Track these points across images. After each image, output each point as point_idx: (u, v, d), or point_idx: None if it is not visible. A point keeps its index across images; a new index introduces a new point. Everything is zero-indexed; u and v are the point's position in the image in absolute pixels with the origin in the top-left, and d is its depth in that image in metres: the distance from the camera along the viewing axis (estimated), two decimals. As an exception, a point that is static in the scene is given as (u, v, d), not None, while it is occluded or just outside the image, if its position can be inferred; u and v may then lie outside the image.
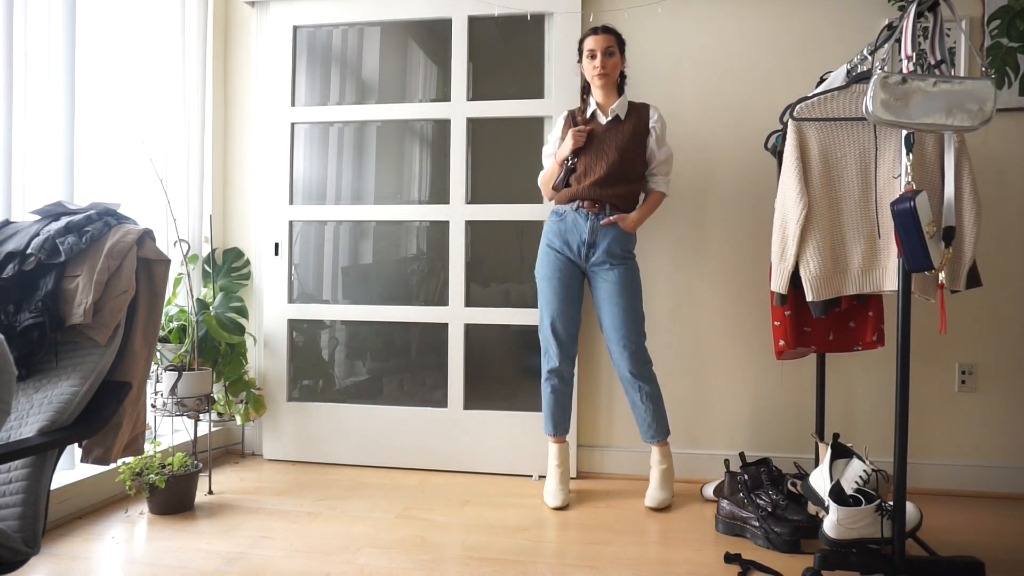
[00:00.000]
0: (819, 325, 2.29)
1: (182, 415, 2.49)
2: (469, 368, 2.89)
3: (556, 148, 2.52)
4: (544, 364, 2.52)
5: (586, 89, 2.51)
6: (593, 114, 2.46)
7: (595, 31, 2.44)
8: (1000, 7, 2.57)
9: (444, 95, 2.93)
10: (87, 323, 1.47)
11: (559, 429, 2.54)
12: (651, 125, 2.46)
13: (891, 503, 1.76)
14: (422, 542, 2.11)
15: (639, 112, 2.47)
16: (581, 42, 2.47)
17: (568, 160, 2.43)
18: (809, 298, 1.98)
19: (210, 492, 2.54)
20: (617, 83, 2.48)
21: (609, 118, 2.44)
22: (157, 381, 2.51)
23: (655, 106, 2.49)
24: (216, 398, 2.77)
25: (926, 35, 1.84)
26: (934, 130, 1.71)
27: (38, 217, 1.63)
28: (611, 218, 2.42)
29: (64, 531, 2.17)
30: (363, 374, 3.06)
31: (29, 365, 1.47)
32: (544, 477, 2.73)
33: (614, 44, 2.42)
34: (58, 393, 1.41)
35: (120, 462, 2.33)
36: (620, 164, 2.41)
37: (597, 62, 2.40)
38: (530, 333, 2.76)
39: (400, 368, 3.02)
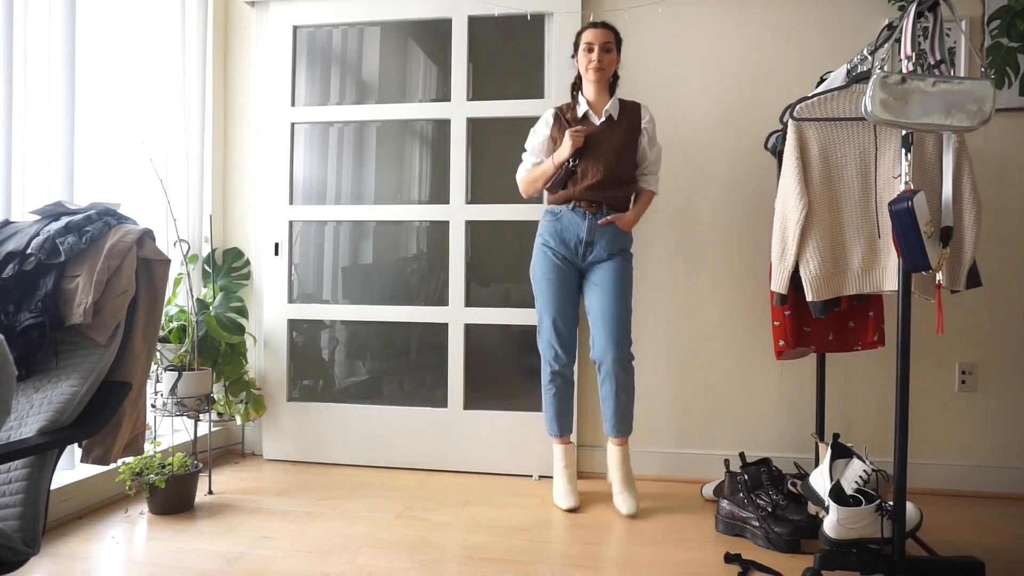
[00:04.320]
0: (819, 325, 2.29)
1: (182, 415, 2.49)
2: (469, 368, 2.89)
3: (543, 148, 2.47)
4: (546, 367, 2.48)
5: (576, 86, 2.48)
6: (585, 114, 2.42)
7: (595, 25, 2.40)
8: (1000, 7, 2.57)
9: (444, 95, 2.93)
10: (87, 323, 1.47)
11: (564, 430, 2.53)
12: (643, 125, 2.43)
13: (891, 503, 1.76)
14: (422, 542, 2.11)
15: (631, 111, 2.44)
16: (579, 35, 2.42)
17: (569, 162, 2.38)
18: (809, 298, 1.98)
19: (210, 492, 2.54)
20: (610, 82, 2.45)
21: (603, 118, 2.41)
22: (157, 381, 2.51)
23: (646, 105, 2.48)
24: (216, 398, 2.77)
25: (926, 35, 1.84)
26: (933, 130, 1.71)
27: (38, 217, 1.63)
28: (608, 218, 2.39)
29: (64, 531, 2.17)
30: (363, 374, 3.06)
31: (29, 365, 1.46)
32: (544, 477, 2.73)
33: (612, 40, 2.39)
34: (58, 393, 1.41)
35: (120, 462, 2.33)
36: (617, 167, 2.39)
37: (594, 55, 2.36)
38: (530, 333, 2.75)
39: (400, 368, 3.02)
